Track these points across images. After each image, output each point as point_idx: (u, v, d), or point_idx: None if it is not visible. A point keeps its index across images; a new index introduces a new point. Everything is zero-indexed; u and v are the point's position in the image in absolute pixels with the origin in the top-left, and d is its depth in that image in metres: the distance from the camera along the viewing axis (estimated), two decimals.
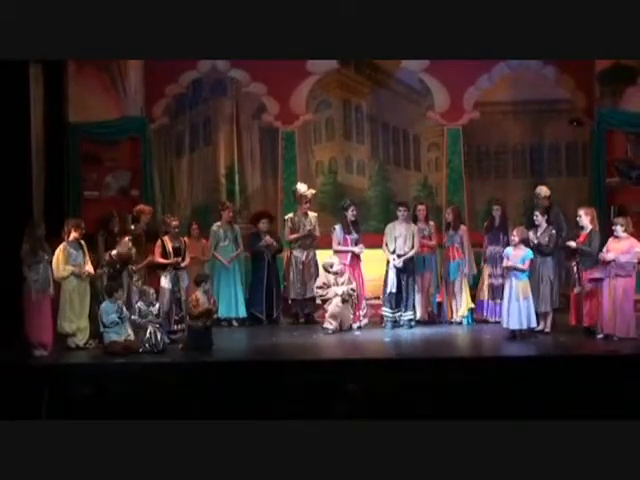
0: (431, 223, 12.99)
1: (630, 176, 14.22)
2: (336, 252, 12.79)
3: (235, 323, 12.97)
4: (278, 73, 13.97)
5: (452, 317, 12.86)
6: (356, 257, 12.82)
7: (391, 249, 12.42)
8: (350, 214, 12.82)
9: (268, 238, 13.10)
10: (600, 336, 11.11)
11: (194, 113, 14.63)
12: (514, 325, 11.20)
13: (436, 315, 12.96)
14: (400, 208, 12.63)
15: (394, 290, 12.32)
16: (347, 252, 12.70)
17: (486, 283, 12.86)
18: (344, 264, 12.58)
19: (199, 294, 11.18)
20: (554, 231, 11.92)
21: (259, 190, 14.67)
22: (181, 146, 14.63)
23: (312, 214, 13.36)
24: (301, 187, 13.45)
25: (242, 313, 13.09)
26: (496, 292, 12.65)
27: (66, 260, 11.13)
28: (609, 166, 14.16)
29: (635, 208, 13.61)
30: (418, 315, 12.71)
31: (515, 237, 11.42)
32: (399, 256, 12.32)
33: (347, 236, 12.79)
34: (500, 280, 12.50)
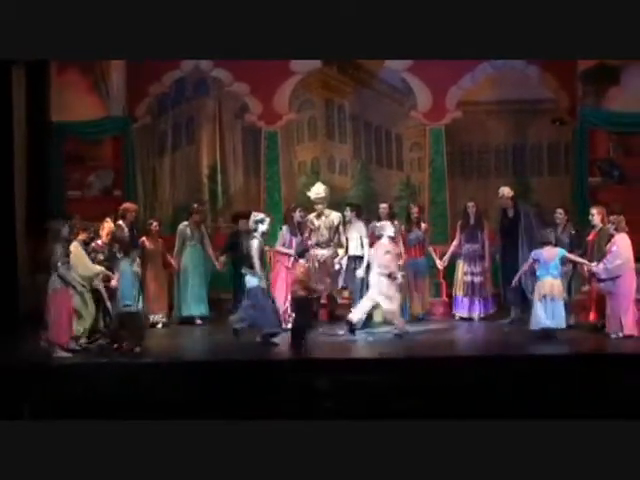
0: (395, 222, 12.58)
1: (612, 175, 14.29)
2: (276, 252, 12.62)
3: (199, 321, 12.93)
4: (261, 73, 13.92)
5: (415, 313, 12.89)
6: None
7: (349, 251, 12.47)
8: (297, 215, 12.59)
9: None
10: (613, 336, 11.04)
11: (177, 112, 14.58)
12: (532, 326, 11.03)
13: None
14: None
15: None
16: (287, 254, 12.32)
17: (461, 280, 12.89)
18: (286, 267, 12.30)
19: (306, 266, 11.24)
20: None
21: (241, 190, 14.64)
22: (164, 145, 14.58)
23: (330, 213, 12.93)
24: (315, 190, 12.90)
25: (205, 312, 13.00)
26: (470, 289, 12.78)
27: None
28: (591, 165, 14.23)
29: (617, 207, 13.63)
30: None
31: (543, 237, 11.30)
32: (355, 258, 12.33)
33: (293, 237, 12.50)
34: (480, 278, 12.69)
